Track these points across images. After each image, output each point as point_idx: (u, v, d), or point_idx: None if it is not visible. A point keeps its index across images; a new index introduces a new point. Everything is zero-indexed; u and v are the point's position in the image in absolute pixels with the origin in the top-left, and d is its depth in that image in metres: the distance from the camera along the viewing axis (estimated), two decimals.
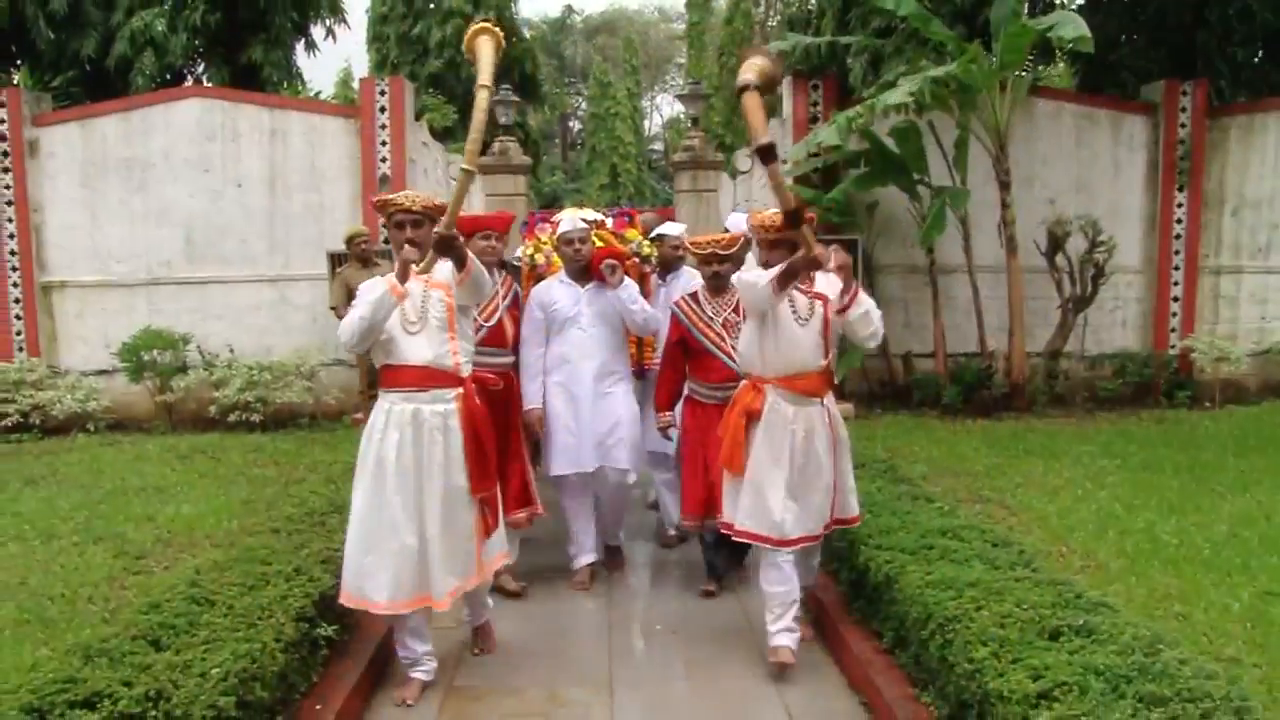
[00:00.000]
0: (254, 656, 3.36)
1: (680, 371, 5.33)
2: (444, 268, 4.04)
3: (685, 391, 5.35)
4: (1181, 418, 9.89)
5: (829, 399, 4.41)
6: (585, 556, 5.69)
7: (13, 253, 10.49)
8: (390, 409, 4.01)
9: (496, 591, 5.08)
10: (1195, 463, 7.65)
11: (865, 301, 4.22)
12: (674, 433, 5.46)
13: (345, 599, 4.03)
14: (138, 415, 10.39)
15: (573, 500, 5.65)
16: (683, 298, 5.35)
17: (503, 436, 4.96)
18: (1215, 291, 11.15)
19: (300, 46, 13.57)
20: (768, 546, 4.28)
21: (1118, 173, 10.96)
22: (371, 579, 3.93)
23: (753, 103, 3.74)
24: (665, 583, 5.82)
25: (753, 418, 4.32)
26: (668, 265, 6.30)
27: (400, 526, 3.92)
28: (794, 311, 4.30)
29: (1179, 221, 10.91)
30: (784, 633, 4.32)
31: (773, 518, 4.24)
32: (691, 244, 5.39)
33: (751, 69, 3.79)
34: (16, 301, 10.53)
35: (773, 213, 4.62)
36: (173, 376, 10.14)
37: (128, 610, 4.48)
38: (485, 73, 3.66)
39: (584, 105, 44.56)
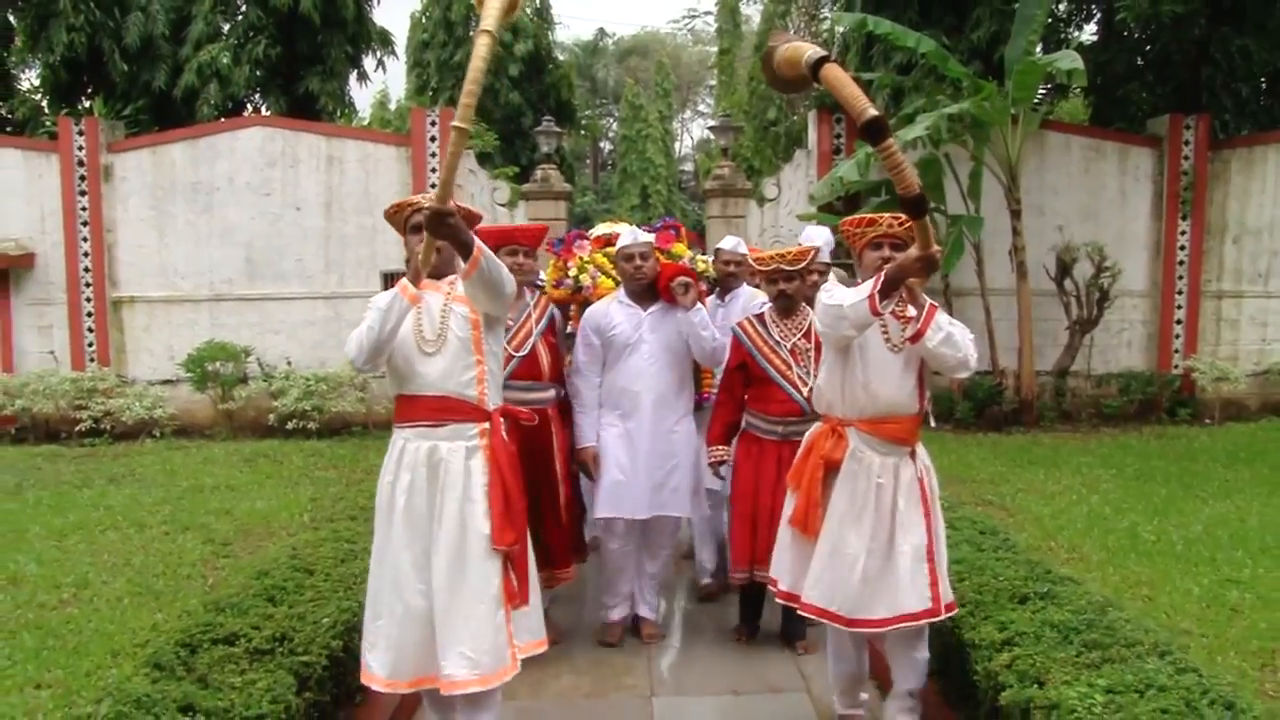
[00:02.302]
0: (353, 611, 4.03)
1: (739, 401, 4.77)
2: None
3: (742, 424, 4.81)
4: (1181, 433, 10.46)
5: (920, 448, 3.70)
6: (622, 609, 5.07)
7: (86, 269, 11.28)
8: (404, 447, 3.37)
9: None
10: (1185, 473, 8.24)
11: (944, 324, 3.45)
12: (725, 470, 4.88)
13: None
14: (200, 422, 11.16)
15: (617, 546, 4.98)
16: (747, 319, 4.77)
17: (540, 483, 4.52)
18: (1217, 315, 11.72)
19: (353, 77, 14.42)
20: (837, 625, 3.61)
21: (1124, 202, 11.58)
22: (373, 648, 3.34)
23: (839, 74, 3.06)
24: (703, 644, 5.06)
25: (831, 468, 3.65)
26: (725, 285, 5.64)
27: (405, 585, 3.28)
28: (885, 337, 3.60)
29: (1182, 248, 11.50)
30: (854, 708, 3.86)
31: (846, 590, 3.55)
32: (755, 260, 4.83)
33: (802, 46, 3.23)
34: (89, 315, 11.33)
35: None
36: (234, 386, 10.91)
37: (226, 585, 5.20)
38: (490, 18, 2.99)
39: (615, 127, 45.37)
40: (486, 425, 3.39)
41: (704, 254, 6.23)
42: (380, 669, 3.31)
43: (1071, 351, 10.97)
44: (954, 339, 3.44)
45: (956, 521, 5.20)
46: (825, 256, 5.12)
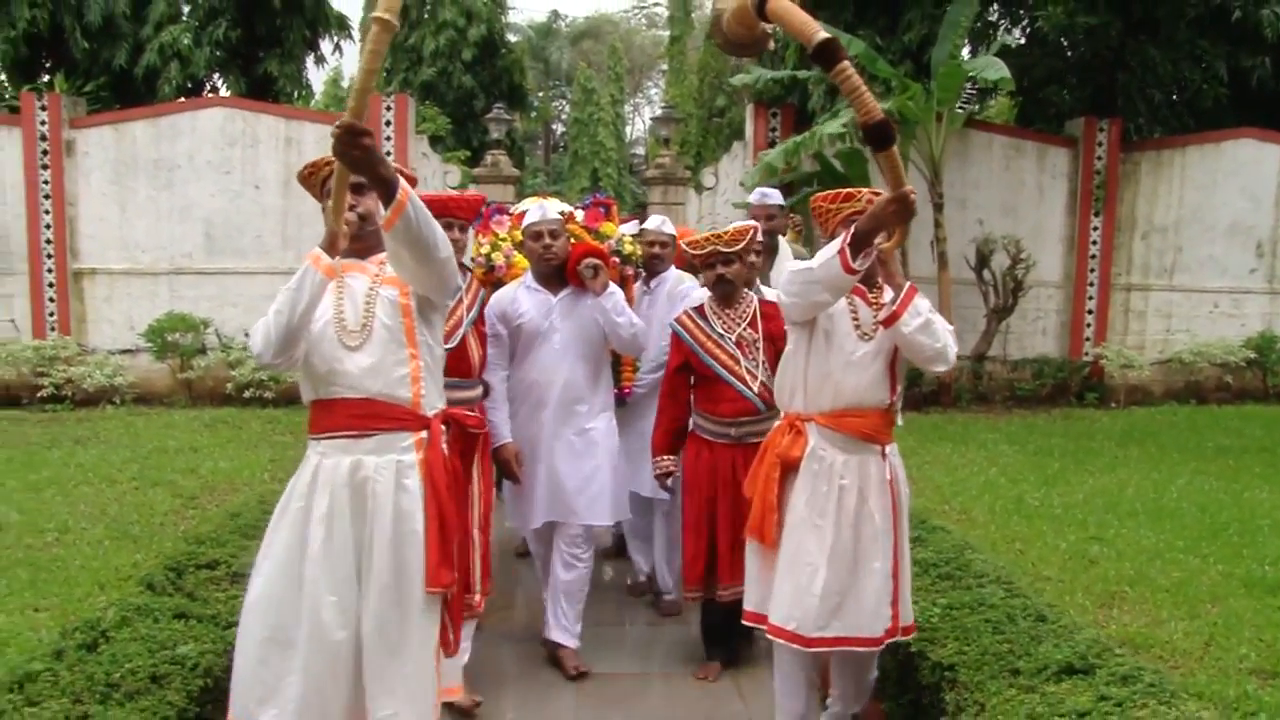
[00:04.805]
0: None
1: (684, 405, 4.35)
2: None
3: (689, 426, 4.38)
4: (1086, 415, 11.27)
5: (892, 449, 3.36)
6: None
7: (48, 241, 11.62)
8: (320, 464, 2.83)
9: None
10: (1080, 449, 9.00)
11: (923, 309, 3.16)
12: (674, 481, 4.43)
13: None
14: (159, 391, 11.57)
15: (543, 550, 4.64)
16: (686, 313, 4.34)
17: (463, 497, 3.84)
18: (1126, 306, 12.55)
19: (310, 60, 14.86)
20: (795, 646, 3.25)
21: (1042, 198, 12.36)
22: (273, 698, 2.76)
23: (786, 4, 2.77)
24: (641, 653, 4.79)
25: (789, 468, 3.28)
26: (651, 268, 5.24)
27: (327, 634, 2.75)
28: (855, 323, 3.27)
29: (1094, 243, 12.29)
30: None
31: (805, 605, 3.20)
32: (688, 244, 4.34)
33: None
34: (51, 285, 11.68)
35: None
36: (193, 357, 11.36)
37: (199, 529, 5.72)
38: None
39: (567, 109, 45.80)
40: (423, 435, 2.86)
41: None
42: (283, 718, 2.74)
43: (988, 337, 11.73)
44: (933, 327, 3.15)
45: None
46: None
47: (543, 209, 4.42)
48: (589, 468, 4.37)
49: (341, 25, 15.12)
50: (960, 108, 11.66)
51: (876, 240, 3.00)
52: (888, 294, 3.21)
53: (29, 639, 3.95)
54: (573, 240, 4.62)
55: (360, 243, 2.88)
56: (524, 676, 4.30)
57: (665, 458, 4.36)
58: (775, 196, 5.48)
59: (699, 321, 4.26)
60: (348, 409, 2.80)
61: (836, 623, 3.18)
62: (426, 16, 23.17)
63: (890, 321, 3.15)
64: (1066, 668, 3.06)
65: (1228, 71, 12.50)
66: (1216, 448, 9.06)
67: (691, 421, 4.36)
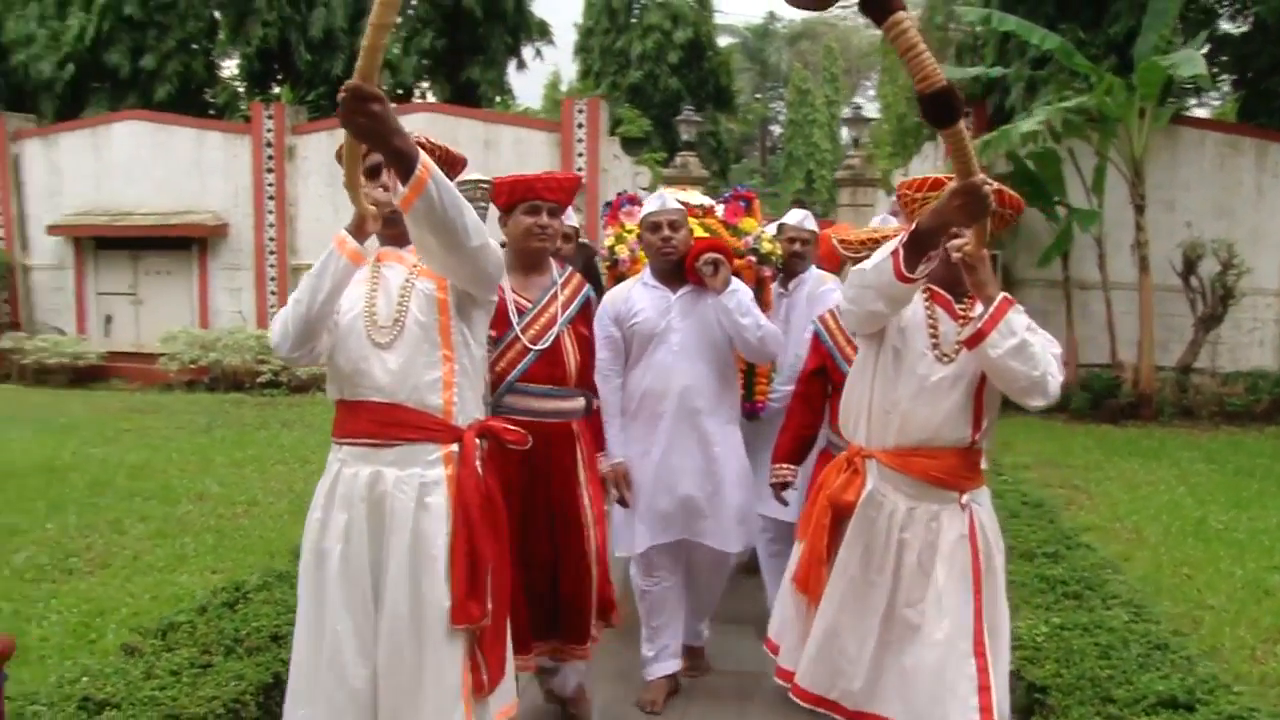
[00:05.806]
0: None
1: (816, 411, 3.80)
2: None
3: (821, 441, 3.86)
4: None
5: (976, 497, 2.74)
6: (664, 664, 3.94)
7: (271, 239, 12.66)
8: (340, 471, 2.52)
9: None
10: None
11: (1018, 327, 2.50)
12: (792, 495, 3.85)
13: None
14: None
15: (654, 584, 3.94)
16: (830, 312, 3.82)
17: (559, 521, 3.34)
18: None
19: (512, 66, 15.53)
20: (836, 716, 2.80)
21: (1261, 198, 11.47)
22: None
23: None
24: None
25: (842, 514, 2.78)
26: (790, 267, 4.68)
27: (345, 663, 2.46)
28: (934, 341, 2.69)
29: None
30: None
31: (850, 674, 2.73)
32: (841, 243, 3.96)
33: None
34: (272, 280, 12.72)
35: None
36: None
37: None
38: None
39: (784, 111, 45.67)
40: (454, 448, 2.49)
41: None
42: None
43: (1195, 348, 10.99)
44: (1029, 351, 2.50)
45: (1004, 494, 5.69)
46: None
47: (662, 198, 3.93)
48: (712, 486, 3.85)
49: (543, 31, 15.71)
50: (1171, 101, 10.96)
51: (959, 242, 2.53)
52: (980, 307, 2.55)
53: (200, 597, 4.40)
54: (707, 234, 4.12)
55: (397, 228, 2.51)
56: (637, 670, 4.01)
57: (785, 466, 3.75)
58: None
59: (841, 325, 3.67)
60: (371, 413, 2.48)
61: (892, 700, 2.66)
62: (634, 20, 23.68)
63: (975, 341, 2.52)
64: (1167, 700, 2.91)
65: None
66: None
67: (824, 436, 3.84)
